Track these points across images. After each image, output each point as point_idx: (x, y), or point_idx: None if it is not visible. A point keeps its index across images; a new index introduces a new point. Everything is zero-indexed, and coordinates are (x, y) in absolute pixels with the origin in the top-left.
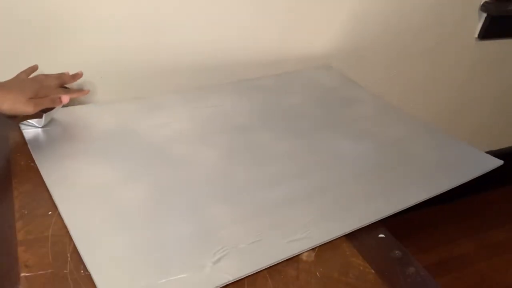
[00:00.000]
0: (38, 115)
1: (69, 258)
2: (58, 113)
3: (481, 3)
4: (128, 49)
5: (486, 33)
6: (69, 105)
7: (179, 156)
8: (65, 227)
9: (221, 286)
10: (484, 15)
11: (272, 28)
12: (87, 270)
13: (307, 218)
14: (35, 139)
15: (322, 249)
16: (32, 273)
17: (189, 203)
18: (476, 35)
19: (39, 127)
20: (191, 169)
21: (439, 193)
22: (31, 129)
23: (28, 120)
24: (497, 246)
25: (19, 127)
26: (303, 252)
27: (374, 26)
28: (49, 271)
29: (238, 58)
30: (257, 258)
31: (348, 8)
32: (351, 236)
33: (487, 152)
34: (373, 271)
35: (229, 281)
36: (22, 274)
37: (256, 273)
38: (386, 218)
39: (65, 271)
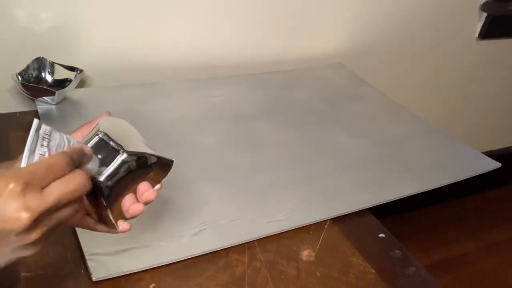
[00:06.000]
0: (51, 92)
1: (69, 258)
2: (71, 93)
3: (482, 3)
4: (129, 50)
5: (487, 33)
6: (81, 87)
7: (179, 138)
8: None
9: (196, 256)
10: (485, 15)
11: (284, 29)
12: (87, 270)
13: (290, 202)
14: (48, 114)
15: (322, 249)
16: (32, 273)
17: (180, 181)
18: (477, 35)
19: (52, 104)
20: (189, 151)
21: (429, 189)
22: (45, 105)
23: (43, 97)
24: (497, 246)
25: (17, 127)
26: (282, 232)
27: (377, 26)
28: (49, 271)
29: (246, 58)
30: (234, 234)
31: (356, 9)
32: (351, 236)
33: (487, 152)
34: (373, 271)
35: (204, 252)
36: (23, 274)
37: (257, 272)
38: (385, 218)
39: (65, 270)
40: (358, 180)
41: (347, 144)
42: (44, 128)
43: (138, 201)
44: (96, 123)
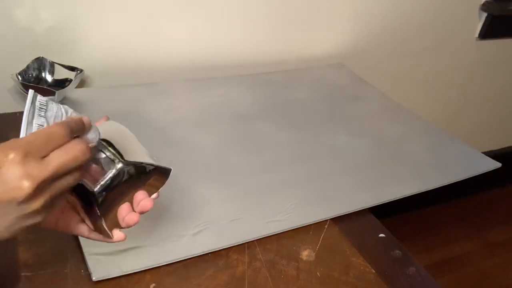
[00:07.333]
0: (51, 92)
1: (69, 258)
2: (71, 93)
3: (482, 3)
4: (129, 50)
5: (487, 33)
6: (81, 87)
7: (180, 138)
8: None
9: (196, 256)
10: (485, 15)
11: (284, 29)
12: (87, 270)
13: (290, 202)
14: None
15: (322, 249)
16: (32, 272)
17: (180, 181)
18: (477, 35)
19: None
20: (189, 151)
21: (429, 189)
22: None
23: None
24: (497, 246)
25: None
26: (282, 232)
27: (377, 26)
28: (49, 270)
29: (246, 58)
30: (234, 234)
31: (356, 9)
32: (351, 236)
33: (488, 152)
34: (374, 271)
35: (204, 252)
36: (23, 274)
37: (257, 272)
38: (385, 218)
39: (65, 270)
40: (358, 180)
41: (347, 144)
42: (40, 98)
43: (134, 210)
44: None
